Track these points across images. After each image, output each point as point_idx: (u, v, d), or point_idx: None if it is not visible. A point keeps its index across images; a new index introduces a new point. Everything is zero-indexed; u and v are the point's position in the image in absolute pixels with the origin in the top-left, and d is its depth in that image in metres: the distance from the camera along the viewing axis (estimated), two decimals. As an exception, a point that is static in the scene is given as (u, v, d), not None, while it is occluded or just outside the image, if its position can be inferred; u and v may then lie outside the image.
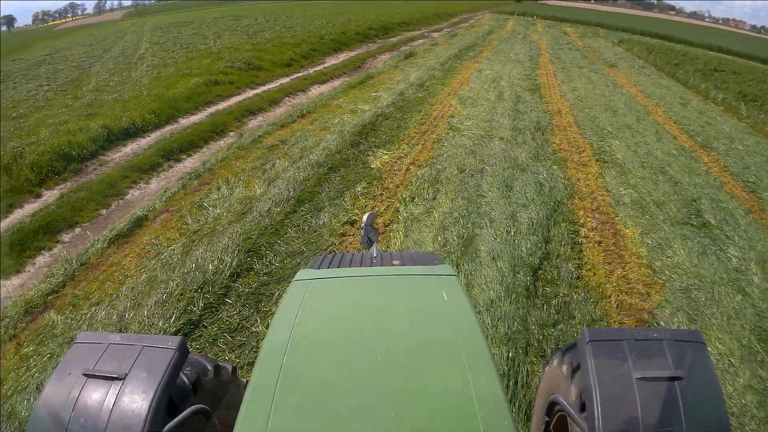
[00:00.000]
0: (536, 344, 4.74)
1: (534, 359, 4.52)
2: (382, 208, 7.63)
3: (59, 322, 5.19)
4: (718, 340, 4.86)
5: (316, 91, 16.15)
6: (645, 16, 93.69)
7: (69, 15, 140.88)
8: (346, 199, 7.92)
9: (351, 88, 16.03)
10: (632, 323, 5.21)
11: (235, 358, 4.69)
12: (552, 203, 7.77)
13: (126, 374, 1.98)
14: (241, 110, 13.28)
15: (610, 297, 5.58)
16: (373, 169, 9.18)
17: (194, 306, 5.29)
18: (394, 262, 3.16)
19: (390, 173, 8.94)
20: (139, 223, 7.36)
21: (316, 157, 9.44)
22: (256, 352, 4.73)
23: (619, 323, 5.21)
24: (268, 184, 8.39)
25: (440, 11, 53.09)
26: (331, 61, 21.69)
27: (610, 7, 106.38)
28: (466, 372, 1.81)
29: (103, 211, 7.98)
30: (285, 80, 17.44)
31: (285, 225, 7.12)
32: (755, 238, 7.03)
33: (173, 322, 5.05)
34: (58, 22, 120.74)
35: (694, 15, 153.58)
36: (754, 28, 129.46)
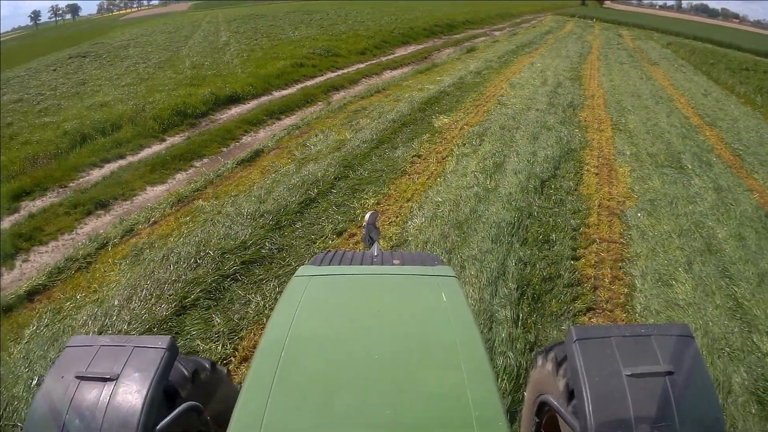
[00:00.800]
0: (535, 215, 7.55)
1: (530, 221, 7.32)
2: (441, 149, 10.45)
3: (206, 206, 7.84)
4: (667, 224, 7.47)
5: (388, 75, 19.04)
6: (708, 23, 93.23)
7: (134, 5, 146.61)
8: (414, 144, 10.73)
9: (418, 73, 18.86)
10: (606, 215, 7.80)
11: (340, 217, 7.47)
12: (567, 150, 10.46)
13: (118, 375, 2.02)
14: (325, 86, 16.31)
15: (594, 200, 8.24)
16: (435, 127, 12.00)
17: (311, 192, 8.22)
18: (395, 261, 3.24)
19: (448, 130, 11.74)
20: (257, 154, 10.24)
21: (392, 117, 12.37)
22: (354, 220, 7.46)
23: (597, 215, 7.78)
24: (355, 132, 11.33)
25: (504, 12, 55.65)
26: (400, 52, 24.55)
27: (675, 14, 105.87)
28: (462, 372, 1.87)
29: (224, 149, 10.89)
30: (360, 65, 20.38)
31: (370, 155, 10.01)
32: (721, 178, 9.51)
33: (299, 198, 7.90)
34: (124, 12, 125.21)
35: (758, 24, 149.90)
36: None
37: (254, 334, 5.06)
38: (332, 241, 6.91)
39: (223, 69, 18.46)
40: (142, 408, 1.91)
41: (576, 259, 6.52)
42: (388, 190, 8.59)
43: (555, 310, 5.43)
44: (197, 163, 10.09)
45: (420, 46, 26.89)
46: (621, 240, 7.12)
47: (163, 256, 6.24)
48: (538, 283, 5.87)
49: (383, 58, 22.55)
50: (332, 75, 18.32)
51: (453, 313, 2.29)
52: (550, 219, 7.52)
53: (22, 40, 66.03)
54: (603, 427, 1.85)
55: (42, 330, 5.10)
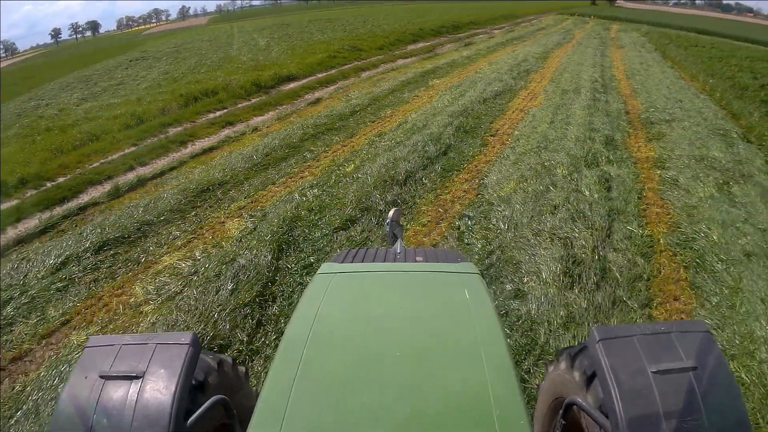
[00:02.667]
0: (477, 110, 14.60)
1: (473, 112, 14.35)
2: (432, 93, 17.50)
3: (295, 120, 14.06)
4: (548, 112, 14.23)
5: (400, 62, 26.05)
6: (720, 17, 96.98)
7: (153, 21, 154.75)
8: (415, 92, 17.75)
9: (423, 60, 26.02)
10: (517, 111, 14.81)
11: (371, 117, 14.55)
12: (508, 88, 17.54)
13: (144, 372, 2.11)
14: (355, 69, 23.50)
15: (513, 107, 15.30)
16: (429, 84, 19.01)
17: (356, 110, 15.29)
18: (418, 258, 3.38)
19: (437, 86, 18.66)
20: (318, 101, 17.17)
21: (401, 80, 19.69)
22: (376, 121, 14.49)
23: (512, 111, 14.79)
24: (378, 88, 18.49)
25: (508, 13, 63.16)
26: (411, 48, 31.61)
27: (688, 10, 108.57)
28: (485, 371, 1.95)
29: (294, 102, 17.66)
30: (379, 56, 27.45)
31: (387, 96, 17.11)
32: (606, 97, 16.22)
33: (348, 112, 14.93)
34: (143, 27, 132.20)
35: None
36: None
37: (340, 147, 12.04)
38: (369, 125, 13.82)
39: (275, 61, 25.71)
40: (172, 404, 2.01)
41: (491, 123, 13.49)
42: (397, 109, 15.48)
43: (474, 136, 12.33)
44: (279, 108, 16.86)
45: (427, 43, 33.85)
46: (518, 117, 14.01)
47: (272, 136, 13.33)
48: (470, 129, 12.88)
49: (396, 52, 29.58)
50: (358, 63, 25.33)
51: (476, 311, 2.39)
52: (484, 112, 14.46)
53: (48, 57, 71.96)
54: (633, 425, 1.92)
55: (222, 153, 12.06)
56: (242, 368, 2.96)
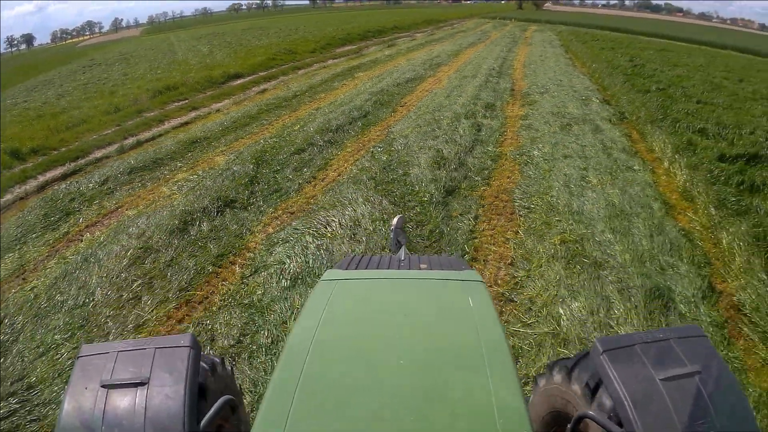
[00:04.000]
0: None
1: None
2: (356, 82, 21.75)
3: (253, 106, 18.73)
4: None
5: (331, 62, 30.08)
6: (649, 18, 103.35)
7: (87, 33, 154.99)
8: (343, 81, 21.95)
9: (350, 59, 30.19)
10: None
11: (310, 98, 18.68)
12: (421, 77, 21.95)
13: (148, 378, 2.12)
14: (292, 68, 27.47)
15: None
16: (355, 76, 23.16)
17: (297, 94, 19.49)
18: (422, 266, 3.43)
19: (361, 77, 22.85)
20: (264, 91, 21.11)
21: (333, 73, 23.90)
22: (314, 101, 18.58)
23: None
24: (313, 79, 22.62)
25: (431, 18, 67.64)
26: (339, 50, 35.70)
27: (617, 12, 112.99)
28: (488, 379, 1.98)
29: (242, 94, 21.32)
30: (313, 58, 31.46)
31: (321, 85, 21.25)
32: (503, 82, 20.96)
33: (292, 94, 19.14)
34: (78, 39, 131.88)
35: (702, 16, 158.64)
36: (763, 27, 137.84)
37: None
38: (308, 103, 17.88)
39: (220, 63, 29.48)
40: (184, 408, 2.04)
41: (401, 98, 17.70)
42: (329, 93, 19.47)
43: (387, 106, 16.48)
44: (233, 97, 20.46)
45: (354, 46, 38.02)
46: (423, 95, 18.24)
47: (233, 113, 17.32)
48: (384, 102, 17.04)
49: (327, 54, 33.64)
50: (294, 63, 29.17)
51: (479, 318, 2.43)
52: (396, 92, 18.74)
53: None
54: None
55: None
56: (229, 366, 2.97)
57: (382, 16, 71.39)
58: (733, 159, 10.85)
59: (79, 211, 9.46)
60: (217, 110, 17.84)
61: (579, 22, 66.71)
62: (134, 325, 5.97)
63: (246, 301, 6.37)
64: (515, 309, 6.21)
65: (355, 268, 3.37)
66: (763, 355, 5.50)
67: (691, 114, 14.69)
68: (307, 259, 7.05)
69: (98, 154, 13.38)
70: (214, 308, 6.28)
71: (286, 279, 6.66)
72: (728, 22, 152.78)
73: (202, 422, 2.08)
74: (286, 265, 6.94)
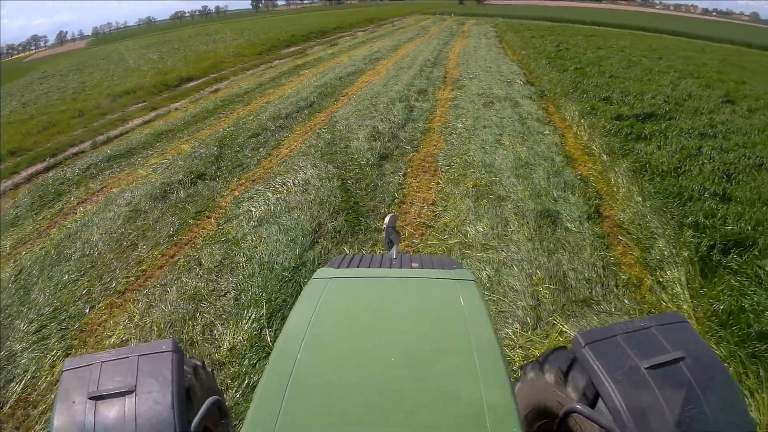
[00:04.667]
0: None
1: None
2: (301, 79, 23.50)
3: (209, 102, 20.47)
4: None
5: (277, 62, 31.66)
6: (590, 7, 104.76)
7: (32, 48, 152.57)
8: (290, 78, 23.65)
9: (295, 59, 31.79)
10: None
11: (260, 93, 20.38)
12: (361, 70, 23.78)
13: (134, 386, 2.15)
14: (241, 69, 28.92)
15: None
16: (301, 74, 24.87)
17: (247, 92, 21.18)
18: (413, 265, 3.45)
19: (306, 73, 24.63)
20: (217, 90, 22.68)
21: (280, 71, 25.53)
22: (254, 92, 20.27)
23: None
24: (263, 78, 24.28)
25: (372, 17, 69.55)
26: (284, 51, 37.26)
27: (563, 3, 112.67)
28: (478, 377, 1.99)
29: (197, 94, 22.79)
30: (260, 59, 32.92)
31: (270, 82, 23.00)
32: (437, 71, 22.86)
33: (246, 90, 20.81)
34: (24, 54, 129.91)
35: (645, 3, 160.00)
36: (705, 11, 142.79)
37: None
38: (258, 98, 19.57)
39: (173, 68, 30.83)
40: (174, 412, 2.07)
41: (343, 89, 19.53)
42: (277, 89, 21.14)
43: (330, 97, 18.30)
44: (189, 97, 21.84)
45: (299, 47, 39.56)
46: (362, 85, 20.12)
47: (192, 110, 18.96)
48: (328, 93, 18.85)
49: (273, 55, 35.15)
50: (242, 65, 30.72)
51: (470, 317, 2.43)
52: (338, 85, 20.55)
53: None
54: (640, 422, 1.97)
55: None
56: (209, 367, 2.95)
57: (325, 17, 72.95)
58: (627, 118, 12.98)
59: (69, 192, 10.93)
60: (176, 109, 19.27)
61: (517, 14, 69.38)
62: (135, 262, 7.69)
63: (223, 239, 8.07)
64: (434, 232, 8.09)
65: (347, 267, 3.42)
66: (635, 254, 7.31)
67: (600, 86, 16.90)
68: (269, 207, 8.81)
69: (74, 150, 14.69)
70: (198, 246, 8.01)
71: (254, 221, 8.44)
72: (671, 8, 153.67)
73: (192, 424, 2.11)
74: (253, 212, 8.73)
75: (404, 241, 7.93)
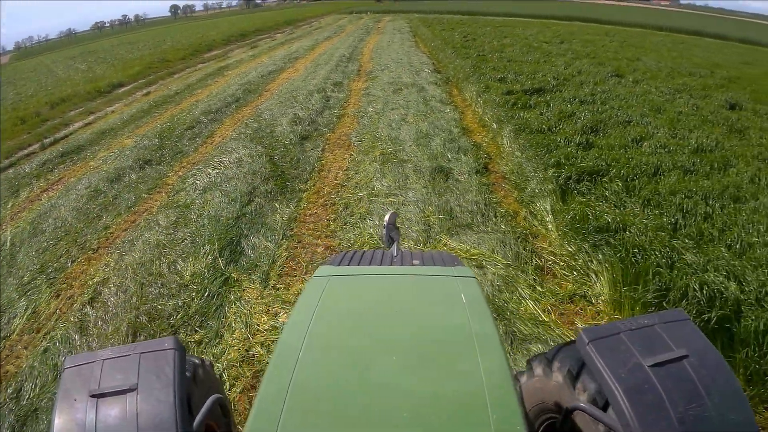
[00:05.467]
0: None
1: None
2: (224, 80, 24.96)
3: (139, 103, 21.78)
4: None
5: (201, 66, 32.74)
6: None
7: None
8: (215, 78, 25.02)
9: (218, 62, 32.98)
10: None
11: (189, 95, 21.84)
12: (282, 68, 25.40)
13: (136, 384, 2.12)
14: (167, 74, 30.10)
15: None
16: (225, 75, 26.19)
17: (178, 91, 22.59)
18: (414, 262, 3.43)
19: (231, 73, 26.00)
20: (148, 93, 23.83)
21: (205, 74, 26.82)
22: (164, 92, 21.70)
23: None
24: (188, 81, 25.62)
25: (291, 18, 70.87)
26: (207, 55, 38.32)
27: None
28: (481, 374, 1.96)
29: (128, 98, 23.94)
30: (184, 64, 34.10)
31: (197, 83, 24.32)
32: (352, 66, 24.63)
33: (177, 89, 22.20)
34: None
35: None
36: (674, 2, 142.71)
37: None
38: (188, 98, 21.02)
39: (102, 75, 31.73)
40: (176, 409, 2.05)
41: (265, 86, 21.14)
42: (204, 89, 22.44)
43: (254, 93, 19.90)
44: (123, 101, 22.86)
45: (220, 50, 40.67)
46: (283, 82, 21.78)
47: (128, 111, 20.33)
48: (251, 90, 20.45)
49: (197, 59, 36.20)
50: (168, 70, 31.82)
51: (472, 314, 2.38)
52: (261, 82, 22.16)
53: None
54: (643, 420, 1.94)
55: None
56: (208, 362, 3.03)
57: (243, 21, 73.77)
58: (517, 93, 15.10)
59: (31, 183, 12.06)
60: (112, 111, 20.36)
61: (432, 9, 70.85)
62: (103, 227, 9.20)
63: (175, 205, 9.63)
64: (348, 189, 9.96)
65: (348, 264, 3.37)
66: (514, 195, 9.30)
67: (497, 69, 19.12)
68: (210, 180, 10.50)
69: (25, 152, 15.69)
70: (154, 212, 9.57)
71: (199, 190, 10.10)
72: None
73: (195, 423, 2.12)
74: (198, 184, 10.40)
75: (323, 197, 9.77)
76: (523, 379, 2.90)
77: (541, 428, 2.75)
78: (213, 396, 2.36)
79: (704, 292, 5.39)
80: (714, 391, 2.02)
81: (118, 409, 2.06)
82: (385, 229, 4.45)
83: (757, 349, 4.77)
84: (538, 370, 2.72)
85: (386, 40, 35.10)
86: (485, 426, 1.74)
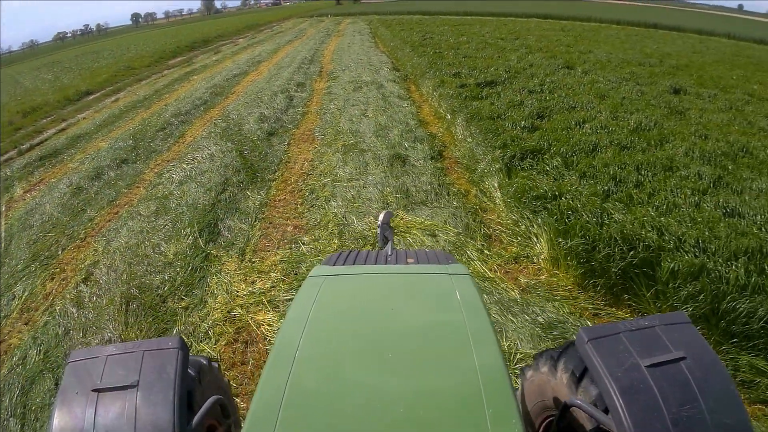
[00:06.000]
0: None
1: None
2: (190, 84, 25.54)
3: (113, 105, 22.36)
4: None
5: (166, 72, 33.14)
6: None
7: None
8: (182, 82, 25.53)
9: (183, 67, 33.34)
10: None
11: (155, 90, 22.43)
12: (246, 72, 26.07)
13: (137, 381, 2.12)
14: (134, 81, 30.52)
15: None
16: (191, 80, 26.77)
17: (148, 96, 23.16)
18: (409, 260, 3.39)
19: (197, 77, 26.55)
20: (117, 99, 24.24)
21: (171, 79, 27.33)
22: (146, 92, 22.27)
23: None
24: (156, 86, 26.07)
25: (253, 23, 71.94)
26: (172, 61, 38.69)
27: None
28: (477, 371, 1.95)
29: (99, 104, 24.45)
30: (150, 71, 34.50)
31: (164, 89, 24.89)
32: (313, 67, 25.36)
33: (147, 94, 22.77)
34: None
35: None
36: None
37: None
38: (157, 102, 21.59)
39: (70, 85, 32.03)
40: (174, 408, 2.04)
41: (231, 89, 21.78)
42: (172, 94, 23.01)
43: (221, 95, 20.58)
44: (92, 108, 23.21)
45: (185, 57, 41.05)
46: (248, 84, 22.45)
47: (99, 117, 20.87)
48: (218, 93, 21.08)
49: (162, 66, 36.72)
50: (135, 77, 32.28)
51: (467, 312, 2.37)
52: (227, 85, 22.78)
53: None
54: (637, 419, 1.94)
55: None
56: (215, 364, 3.00)
57: (205, 27, 73.80)
58: (469, 86, 15.92)
59: (13, 185, 12.67)
60: (84, 118, 20.75)
61: (392, 10, 72.13)
62: (88, 219, 9.83)
63: (154, 198, 10.34)
64: (312, 177, 10.74)
65: (343, 264, 3.33)
66: (466, 177, 10.03)
67: (452, 65, 19.88)
68: (186, 173, 11.24)
69: (3, 158, 16.23)
70: (135, 204, 10.23)
71: (176, 183, 10.82)
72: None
73: (193, 422, 2.13)
74: (174, 177, 11.10)
75: (291, 184, 10.56)
76: (529, 374, 2.91)
77: (543, 425, 2.78)
78: (213, 397, 2.36)
79: (625, 240, 6.09)
80: (709, 393, 2.02)
81: (118, 404, 2.09)
82: (379, 229, 4.39)
83: (672, 285, 5.51)
84: (544, 367, 2.72)
85: (347, 41, 35.55)
86: (482, 422, 1.74)
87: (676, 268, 5.61)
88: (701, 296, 5.25)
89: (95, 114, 21.15)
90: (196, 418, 2.17)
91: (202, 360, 2.79)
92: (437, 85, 16.65)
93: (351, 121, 14.05)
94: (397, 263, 3.40)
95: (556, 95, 14.33)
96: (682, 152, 9.42)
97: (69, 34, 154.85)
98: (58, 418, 2.08)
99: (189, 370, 2.49)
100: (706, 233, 6.28)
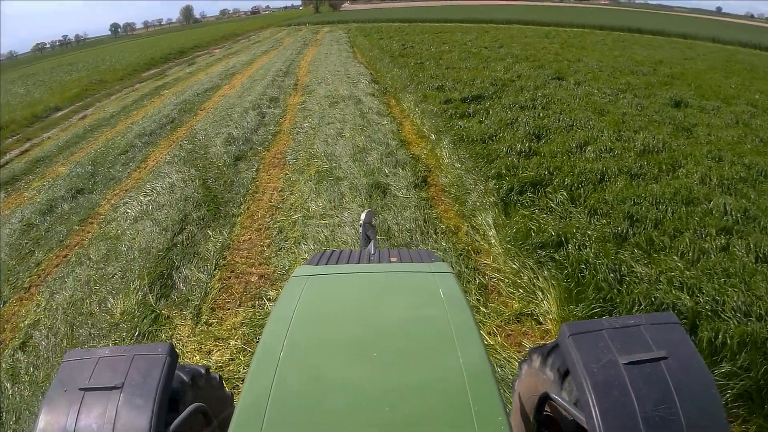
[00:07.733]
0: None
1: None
2: (162, 98, 24.37)
3: (80, 121, 21.19)
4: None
5: (138, 85, 31.88)
6: (447, 5, 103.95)
7: None
8: (154, 99, 24.44)
9: (156, 80, 32.18)
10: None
11: (133, 103, 21.25)
12: (218, 85, 24.95)
13: (122, 383, 2.15)
14: (105, 95, 29.23)
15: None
16: (162, 94, 25.55)
17: (127, 106, 21.97)
18: (392, 259, 3.43)
19: (167, 95, 25.63)
20: (84, 117, 23.42)
21: (142, 94, 26.06)
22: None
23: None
24: (125, 102, 24.95)
25: (230, 33, 70.20)
26: (145, 74, 37.40)
27: (429, 3, 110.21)
28: (461, 368, 1.94)
29: (67, 121, 23.34)
30: (122, 84, 33.30)
31: (133, 104, 23.70)
32: (288, 80, 24.30)
33: (124, 106, 21.57)
34: None
35: None
36: (613, 1, 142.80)
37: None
38: (125, 119, 20.42)
39: (40, 100, 30.63)
40: (152, 413, 2.04)
41: (202, 104, 20.63)
42: (140, 110, 21.77)
43: (190, 112, 19.47)
44: (59, 126, 21.97)
45: (159, 69, 39.82)
46: (220, 99, 21.36)
47: (66, 136, 19.67)
48: (188, 109, 19.95)
49: (135, 79, 35.36)
50: (106, 91, 31.02)
51: (450, 310, 2.36)
52: (197, 101, 21.65)
53: None
54: (608, 416, 1.93)
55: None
56: (216, 375, 3.00)
57: (182, 37, 72.16)
58: (454, 101, 14.98)
59: None
60: (48, 138, 19.57)
61: (370, 18, 70.60)
62: (35, 264, 8.75)
63: (106, 237, 9.21)
64: (282, 211, 9.65)
65: (326, 264, 3.32)
66: (455, 209, 9.10)
67: (435, 77, 18.95)
68: (142, 208, 10.06)
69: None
70: (85, 245, 9.13)
71: (130, 220, 9.67)
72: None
73: (171, 427, 2.12)
74: (129, 213, 9.95)
75: (257, 220, 9.46)
76: (524, 368, 2.90)
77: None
78: (194, 404, 2.35)
79: (654, 305, 5.28)
80: (688, 394, 1.99)
81: (101, 404, 2.10)
82: (361, 228, 4.39)
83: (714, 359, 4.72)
84: (536, 362, 2.70)
85: (324, 51, 34.41)
86: (467, 419, 1.72)
87: (718, 340, 4.80)
88: (750, 372, 4.47)
89: (61, 133, 19.96)
90: (173, 424, 2.14)
91: (199, 369, 2.78)
92: (420, 101, 15.74)
93: (326, 143, 13.00)
94: (380, 262, 3.41)
95: (550, 111, 13.39)
96: (697, 179, 8.69)
97: (48, 45, 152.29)
98: (45, 413, 2.10)
99: (182, 377, 2.52)
100: (743, 288, 5.42)
